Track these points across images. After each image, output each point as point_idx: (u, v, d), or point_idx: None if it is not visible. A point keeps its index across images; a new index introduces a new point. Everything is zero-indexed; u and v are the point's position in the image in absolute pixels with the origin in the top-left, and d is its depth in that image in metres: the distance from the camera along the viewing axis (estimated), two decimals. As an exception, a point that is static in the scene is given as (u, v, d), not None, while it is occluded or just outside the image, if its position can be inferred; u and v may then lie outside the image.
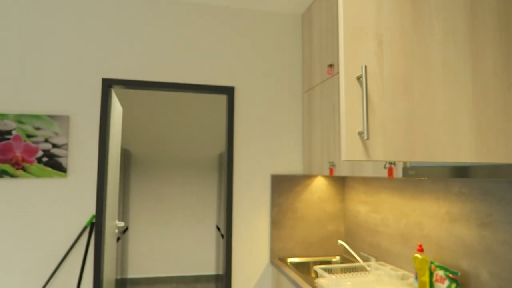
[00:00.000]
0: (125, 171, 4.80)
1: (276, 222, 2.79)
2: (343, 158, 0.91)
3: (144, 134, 4.88)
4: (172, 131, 4.96)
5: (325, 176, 2.91)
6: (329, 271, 2.35)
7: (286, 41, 2.96)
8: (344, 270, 2.35)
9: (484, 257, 1.63)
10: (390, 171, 1.73)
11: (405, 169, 1.65)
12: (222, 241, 4.14)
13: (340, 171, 2.27)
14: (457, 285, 1.71)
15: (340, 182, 2.93)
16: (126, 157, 4.80)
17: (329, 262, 2.76)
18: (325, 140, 2.49)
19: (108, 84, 2.60)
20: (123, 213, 4.75)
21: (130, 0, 2.69)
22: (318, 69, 2.62)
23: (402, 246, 2.19)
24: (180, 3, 2.77)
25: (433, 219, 1.95)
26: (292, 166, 2.90)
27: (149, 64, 2.70)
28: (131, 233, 4.80)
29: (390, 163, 1.74)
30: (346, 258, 2.79)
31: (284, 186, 2.83)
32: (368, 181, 2.58)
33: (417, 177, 1.57)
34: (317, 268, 2.15)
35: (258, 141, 2.84)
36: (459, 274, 1.73)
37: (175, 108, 4.99)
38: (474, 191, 1.69)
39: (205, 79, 2.80)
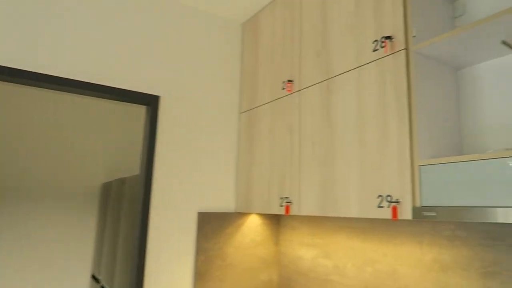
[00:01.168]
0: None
1: (201, 274, 2.16)
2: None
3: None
4: (41, 148, 3.78)
5: (260, 215, 2.44)
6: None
7: (224, 51, 2.50)
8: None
9: (491, 314, 1.39)
10: (394, 212, 1.39)
11: (417, 209, 1.32)
12: (104, 298, 3.17)
13: (301, 210, 1.84)
14: None
15: (275, 221, 2.50)
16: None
17: (263, 322, 2.23)
18: (276, 171, 2.06)
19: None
20: None
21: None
22: (269, 85, 2.22)
23: (368, 300, 1.85)
24: (93, -24, 2.06)
25: (413, 267, 1.67)
26: (224, 201, 2.34)
27: (34, 50, 1.86)
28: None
29: (394, 201, 1.40)
30: (283, 314, 2.31)
31: (213, 226, 2.25)
32: (316, 220, 2.22)
33: (437, 219, 1.26)
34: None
35: (185, 169, 2.22)
36: (460, 336, 1.45)
37: (47, 120, 3.86)
38: (476, 235, 1.47)
39: (120, 82, 2.09)
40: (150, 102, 2.16)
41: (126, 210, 2.89)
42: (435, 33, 1.54)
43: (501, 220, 1.09)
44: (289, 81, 2.03)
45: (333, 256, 2.07)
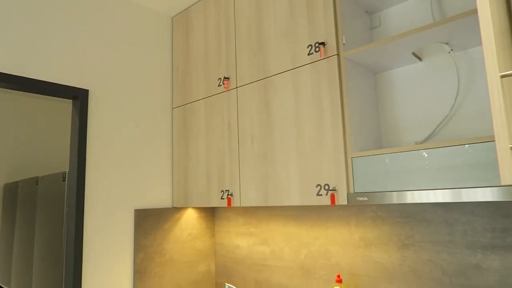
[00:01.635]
0: None
1: (141, 272, 2.13)
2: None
3: None
4: None
5: (196, 208, 2.49)
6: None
7: (155, 44, 2.44)
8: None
9: (406, 279, 1.68)
10: (333, 199, 1.57)
11: (351, 195, 1.53)
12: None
13: (243, 201, 1.95)
14: (382, 311, 1.69)
15: (211, 214, 2.57)
16: None
17: (204, 312, 2.31)
18: (215, 165, 2.12)
19: None
20: None
21: None
22: (203, 81, 2.26)
23: (303, 280, 2.05)
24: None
25: (343, 246, 1.91)
26: (160, 197, 2.33)
27: None
28: None
29: (332, 189, 1.59)
30: (222, 302, 2.41)
31: (151, 223, 2.23)
32: (251, 211, 2.36)
33: (368, 203, 1.48)
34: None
35: (119, 165, 2.15)
36: (383, 299, 1.72)
37: None
38: (394, 214, 1.75)
39: (45, 74, 1.92)
40: (78, 96, 2.03)
41: (41, 212, 2.67)
42: (359, 41, 1.76)
43: (416, 201, 1.34)
44: (226, 78, 2.10)
45: (270, 242, 2.23)
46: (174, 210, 2.36)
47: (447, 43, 1.53)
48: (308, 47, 1.73)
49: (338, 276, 1.81)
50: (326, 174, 1.62)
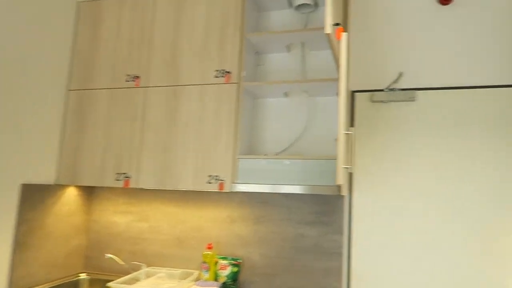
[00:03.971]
0: None
1: (21, 243, 2.20)
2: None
3: None
4: None
5: (78, 187, 2.64)
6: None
7: (55, 23, 2.48)
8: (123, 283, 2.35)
9: (256, 245, 2.44)
10: (221, 186, 2.17)
11: (235, 185, 2.17)
12: None
13: (140, 183, 2.32)
14: (238, 268, 2.40)
15: (89, 193, 2.76)
16: None
17: (77, 283, 2.51)
18: (113, 150, 2.40)
19: None
20: None
21: None
22: (110, 72, 2.48)
23: (178, 249, 2.56)
24: None
25: (213, 222, 2.53)
26: (46, 173, 2.40)
27: None
28: None
29: (221, 179, 2.18)
30: (93, 273, 2.65)
31: (36, 198, 2.30)
32: (132, 192, 2.70)
33: (246, 191, 2.14)
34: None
35: (5, 139, 2.17)
36: (240, 260, 2.42)
37: None
38: (254, 200, 2.48)
39: None
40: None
41: None
42: (251, 75, 2.43)
43: (272, 191, 2.08)
44: (136, 76, 2.41)
45: (150, 219, 2.64)
46: (58, 187, 2.47)
47: (306, 91, 2.37)
48: (216, 71, 2.28)
49: (209, 244, 2.41)
50: (217, 168, 2.21)
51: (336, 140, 2.35)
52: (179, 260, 2.56)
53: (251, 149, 2.52)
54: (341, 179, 1.55)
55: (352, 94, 2.42)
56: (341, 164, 1.54)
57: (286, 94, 2.45)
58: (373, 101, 2.37)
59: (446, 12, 2.36)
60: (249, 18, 2.39)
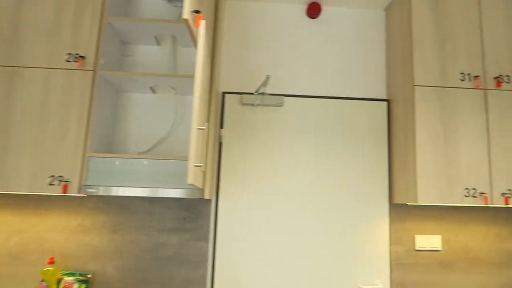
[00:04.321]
0: None
1: None
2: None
3: None
4: None
5: None
6: None
7: None
8: None
9: (111, 256, 2.15)
10: (65, 188, 1.85)
11: (83, 187, 1.87)
12: None
13: None
14: (87, 285, 2.07)
15: None
16: None
17: None
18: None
19: None
20: None
21: None
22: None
23: (11, 267, 2.10)
24: None
25: (60, 232, 2.15)
26: None
27: None
28: None
29: (65, 180, 1.86)
30: None
31: None
32: (-48, 197, 2.16)
33: (97, 194, 1.86)
34: None
35: None
36: (89, 275, 2.09)
37: None
38: (111, 206, 2.19)
39: None
40: None
41: None
42: (114, 64, 2.17)
43: (132, 194, 1.86)
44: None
45: (-27, 230, 2.13)
46: None
47: (174, 88, 2.21)
48: (67, 54, 1.96)
49: (51, 259, 2.03)
50: (62, 167, 1.88)
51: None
52: (11, 281, 2.10)
53: (111, 147, 2.24)
54: (192, 178, 1.41)
55: (223, 95, 2.35)
56: (192, 162, 1.41)
57: (153, 90, 2.25)
58: (243, 104, 2.33)
59: (314, 26, 2.48)
60: (113, 1, 2.14)
